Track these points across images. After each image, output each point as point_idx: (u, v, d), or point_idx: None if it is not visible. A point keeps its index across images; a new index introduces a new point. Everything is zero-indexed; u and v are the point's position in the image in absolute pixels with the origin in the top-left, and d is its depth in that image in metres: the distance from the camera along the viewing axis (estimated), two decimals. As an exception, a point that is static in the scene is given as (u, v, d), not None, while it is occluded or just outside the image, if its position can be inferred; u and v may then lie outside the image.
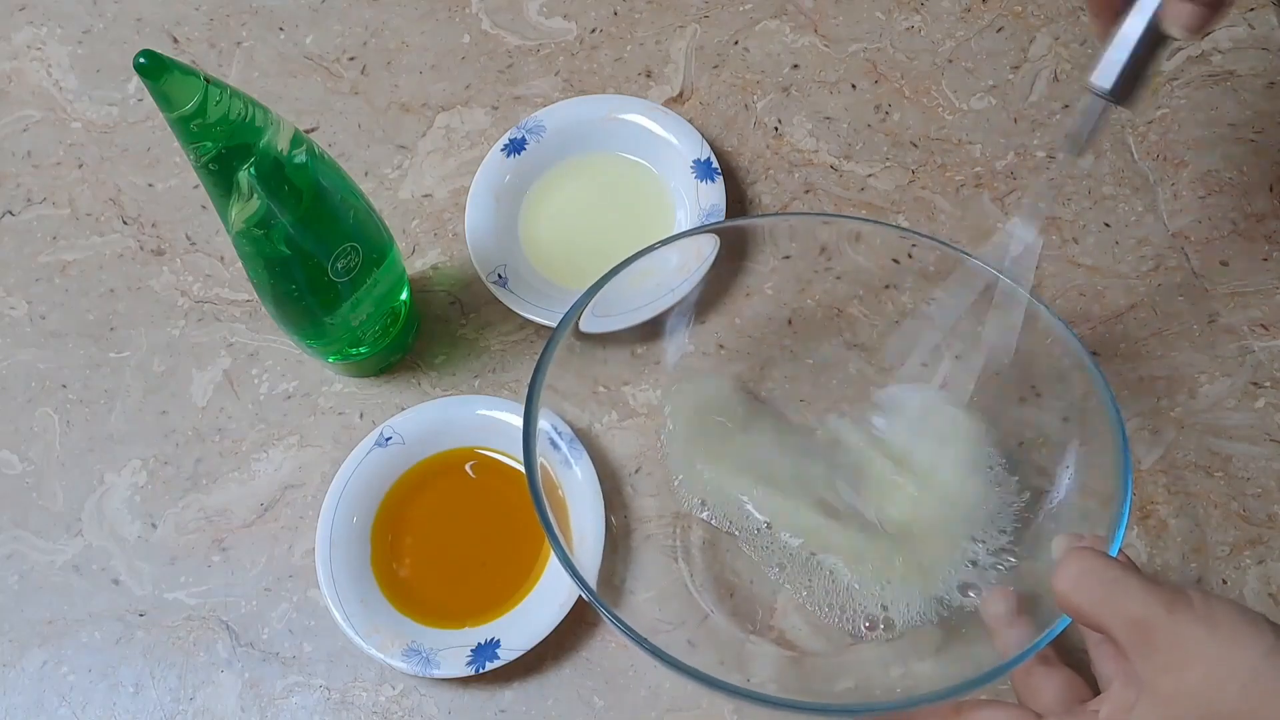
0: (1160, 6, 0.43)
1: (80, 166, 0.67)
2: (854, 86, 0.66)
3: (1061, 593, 0.39)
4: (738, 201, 0.64)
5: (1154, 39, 0.44)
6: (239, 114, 0.43)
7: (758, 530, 0.53)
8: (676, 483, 0.55)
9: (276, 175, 0.46)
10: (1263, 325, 0.59)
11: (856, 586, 0.51)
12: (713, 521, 0.54)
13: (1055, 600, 0.40)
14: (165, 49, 0.65)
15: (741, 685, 0.42)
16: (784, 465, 0.54)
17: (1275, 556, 0.54)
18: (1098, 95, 0.45)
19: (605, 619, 0.44)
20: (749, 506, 0.53)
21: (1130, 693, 0.37)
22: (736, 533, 0.53)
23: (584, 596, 0.45)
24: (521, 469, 0.57)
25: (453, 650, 0.53)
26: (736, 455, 0.55)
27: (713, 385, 0.57)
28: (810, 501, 0.53)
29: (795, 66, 0.67)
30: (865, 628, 0.50)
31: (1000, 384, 0.55)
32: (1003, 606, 0.47)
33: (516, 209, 0.63)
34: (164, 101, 0.41)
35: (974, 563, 0.50)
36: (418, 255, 0.64)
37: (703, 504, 0.54)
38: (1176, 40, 0.44)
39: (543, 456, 0.48)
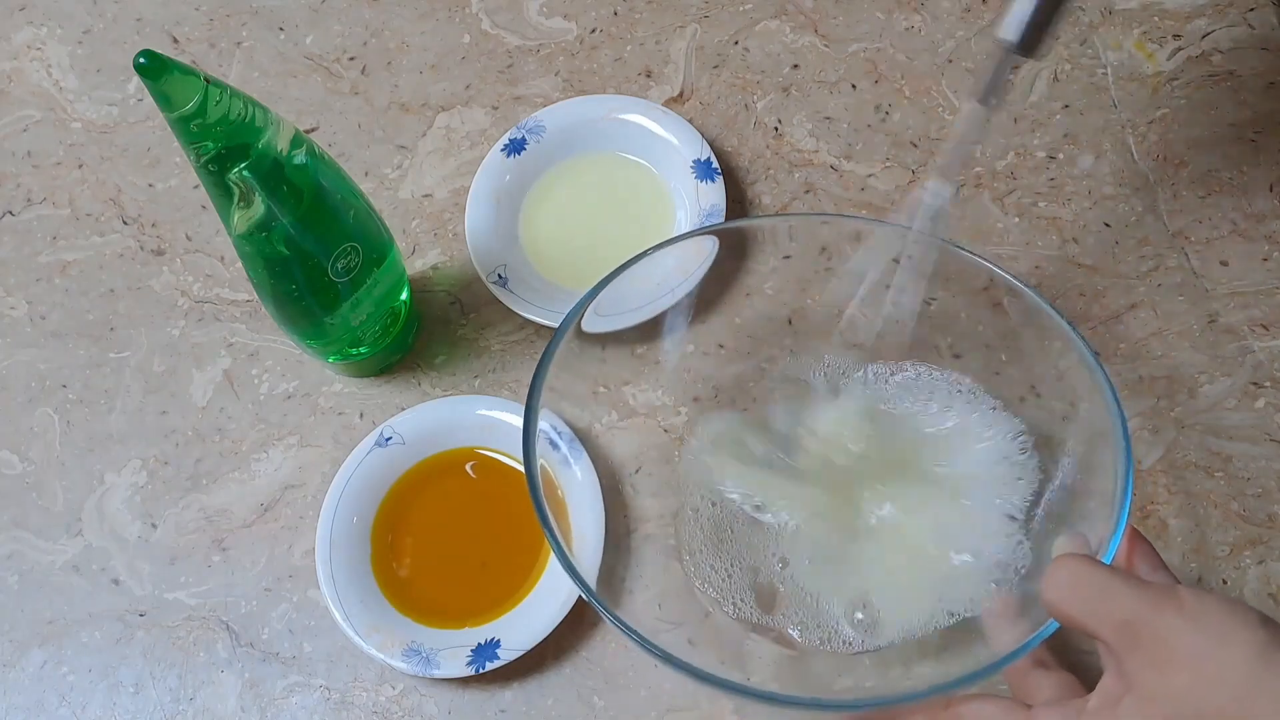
0: None
1: (80, 166, 0.67)
2: (854, 86, 0.66)
3: (1049, 600, 0.39)
4: (738, 201, 0.64)
5: None
6: (239, 114, 0.43)
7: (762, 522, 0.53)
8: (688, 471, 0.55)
9: (276, 175, 0.46)
10: (1263, 325, 0.59)
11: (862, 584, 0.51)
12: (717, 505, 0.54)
13: (1044, 607, 0.40)
14: (165, 49, 0.65)
15: (741, 683, 0.42)
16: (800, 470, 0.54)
17: (1275, 556, 0.54)
18: (1005, 48, 0.46)
19: (605, 619, 0.44)
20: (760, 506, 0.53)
21: (1119, 687, 0.38)
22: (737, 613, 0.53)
23: (584, 597, 0.45)
24: (522, 469, 0.57)
25: (453, 650, 0.53)
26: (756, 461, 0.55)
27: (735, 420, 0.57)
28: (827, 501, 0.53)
29: (795, 66, 0.67)
30: (858, 618, 0.50)
31: (1000, 382, 0.55)
32: (1000, 608, 0.47)
33: (516, 209, 0.63)
34: (164, 101, 0.41)
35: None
36: (418, 255, 0.64)
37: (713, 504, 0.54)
38: None
39: (542, 456, 0.48)
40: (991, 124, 0.49)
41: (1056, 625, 0.41)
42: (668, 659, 0.42)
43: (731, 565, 0.53)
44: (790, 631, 0.52)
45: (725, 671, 0.42)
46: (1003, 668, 0.42)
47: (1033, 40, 0.46)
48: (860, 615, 0.51)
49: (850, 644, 0.51)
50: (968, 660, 0.46)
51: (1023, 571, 0.49)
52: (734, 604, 0.52)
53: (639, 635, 0.43)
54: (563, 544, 0.45)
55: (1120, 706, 0.37)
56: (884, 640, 0.50)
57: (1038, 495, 0.52)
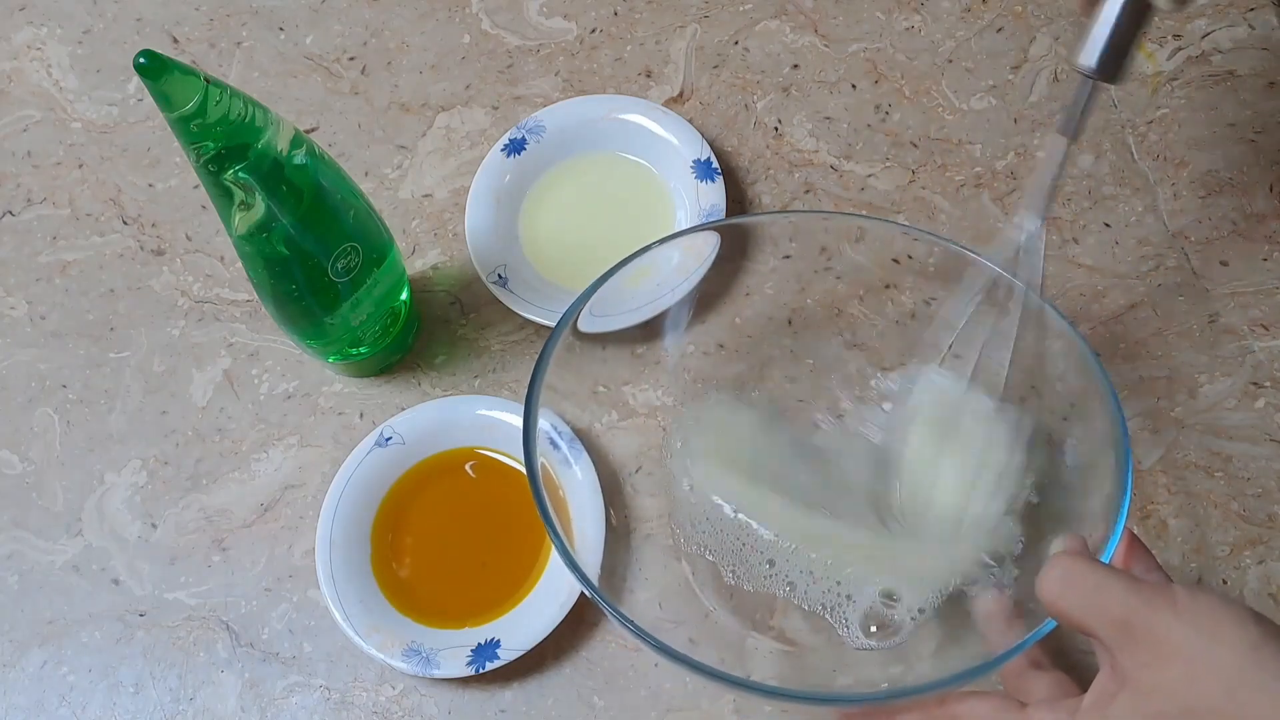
0: None
1: (80, 166, 0.67)
2: (854, 86, 0.66)
3: (1045, 597, 0.40)
4: (738, 201, 0.64)
5: (1137, 13, 0.44)
6: (239, 114, 0.43)
7: (759, 563, 0.53)
8: (682, 494, 0.55)
9: (276, 175, 0.46)
10: (1263, 325, 0.59)
11: (860, 592, 0.51)
12: (710, 556, 0.53)
13: (1041, 604, 0.40)
14: (165, 49, 0.65)
15: (741, 677, 0.42)
16: (797, 472, 0.54)
17: (1275, 556, 0.54)
18: (1085, 75, 0.45)
19: (608, 614, 0.44)
20: (755, 524, 0.53)
21: (1113, 684, 0.38)
22: (736, 579, 0.53)
23: (586, 593, 0.45)
24: (521, 469, 0.57)
25: (453, 650, 0.53)
26: (747, 465, 0.54)
27: (723, 407, 0.57)
28: (823, 508, 0.53)
29: (795, 66, 0.67)
30: (873, 630, 0.50)
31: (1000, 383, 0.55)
32: (996, 608, 0.47)
33: (516, 209, 0.63)
34: (164, 101, 0.41)
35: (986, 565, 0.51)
36: (418, 255, 0.64)
37: (705, 547, 0.54)
38: (1161, 11, 0.43)
39: (542, 456, 0.48)
40: (1072, 155, 0.48)
41: (1052, 625, 0.41)
42: (669, 653, 0.42)
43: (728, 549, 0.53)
44: (785, 593, 0.51)
45: (726, 668, 0.42)
46: (998, 666, 0.42)
47: (1113, 64, 0.44)
48: (874, 628, 0.51)
49: (848, 625, 0.51)
50: (964, 658, 0.47)
51: (1015, 557, 0.49)
52: (734, 602, 0.52)
53: (641, 630, 0.43)
54: (565, 540, 0.45)
55: (1114, 703, 0.37)
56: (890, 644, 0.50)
57: (1037, 488, 0.52)
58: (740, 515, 0.52)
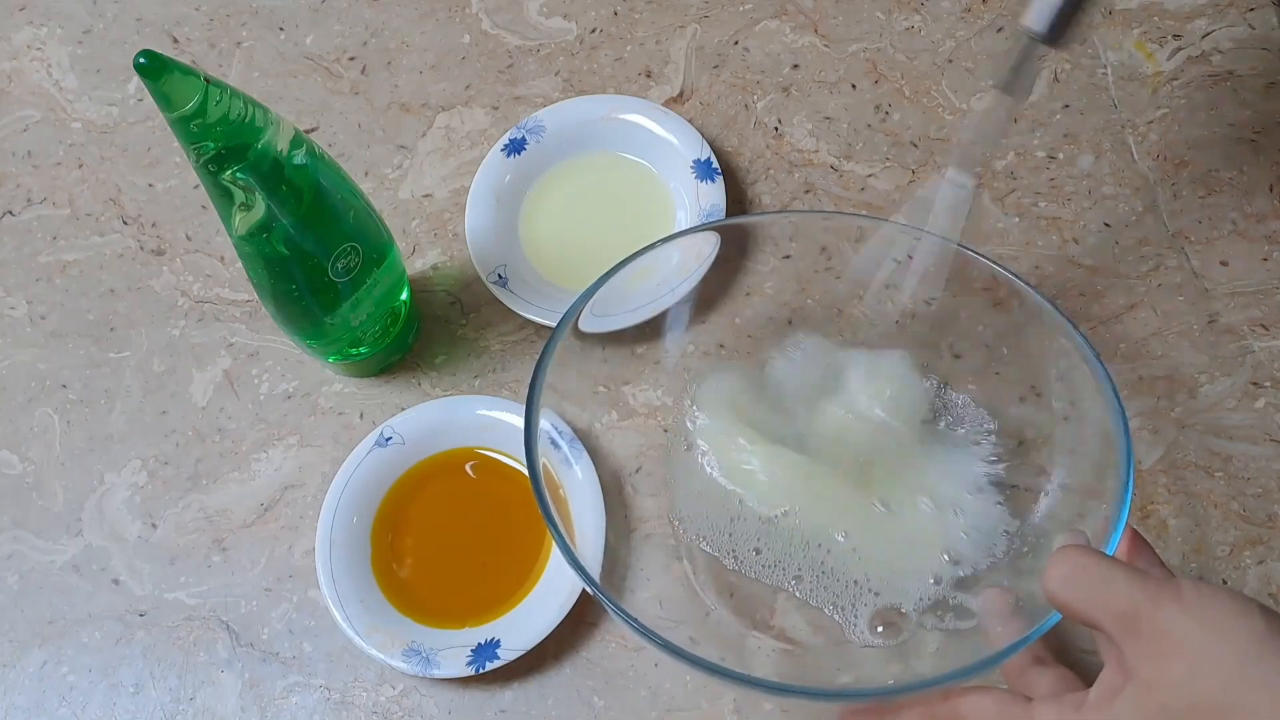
0: None
1: (80, 166, 0.67)
2: (854, 86, 0.66)
3: (1050, 590, 0.40)
4: (738, 201, 0.64)
5: None
6: (239, 114, 0.43)
7: (756, 550, 0.53)
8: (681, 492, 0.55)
9: (276, 175, 0.46)
10: (1263, 325, 0.59)
11: (860, 584, 0.51)
12: (710, 549, 0.54)
13: (1046, 597, 0.40)
14: (165, 49, 0.65)
15: (742, 673, 0.42)
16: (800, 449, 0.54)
17: (1275, 556, 0.54)
18: (1031, 38, 0.45)
19: (610, 611, 0.44)
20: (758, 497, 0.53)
21: (1119, 678, 0.38)
22: (735, 565, 0.53)
23: (589, 590, 0.45)
24: (522, 469, 0.57)
25: (453, 650, 0.53)
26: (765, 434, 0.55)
27: (736, 375, 0.57)
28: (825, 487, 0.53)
29: (795, 66, 0.67)
30: (878, 628, 0.50)
31: (1000, 382, 0.55)
32: (998, 604, 0.47)
33: (516, 209, 0.63)
34: (164, 101, 0.41)
35: (962, 562, 0.51)
36: (418, 255, 0.64)
37: (699, 536, 0.54)
38: None
39: (543, 456, 0.48)
40: (1015, 117, 0.47)
41: (1056, 619, 0.41)
42: (671, 649, 0.42)
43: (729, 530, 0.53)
44: (791, 589, 0.52)
45: (727, 666, 0.42)
46: (1002, 661, 0.42)
47: (1060, 29, 0.45)
48: (880, 628, 0.51)
49: (853, 613, 0.51)
50: (967, 654, 0.47)
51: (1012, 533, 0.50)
52: (735, 601, 0.52)
53: (643, 626, 0.43)
54: (566, 537, 0.45)
55: (1119, 697, 0.37)
56: (893, 643, 0.50)
57: (1036, 497, 0.52)
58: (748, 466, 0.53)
